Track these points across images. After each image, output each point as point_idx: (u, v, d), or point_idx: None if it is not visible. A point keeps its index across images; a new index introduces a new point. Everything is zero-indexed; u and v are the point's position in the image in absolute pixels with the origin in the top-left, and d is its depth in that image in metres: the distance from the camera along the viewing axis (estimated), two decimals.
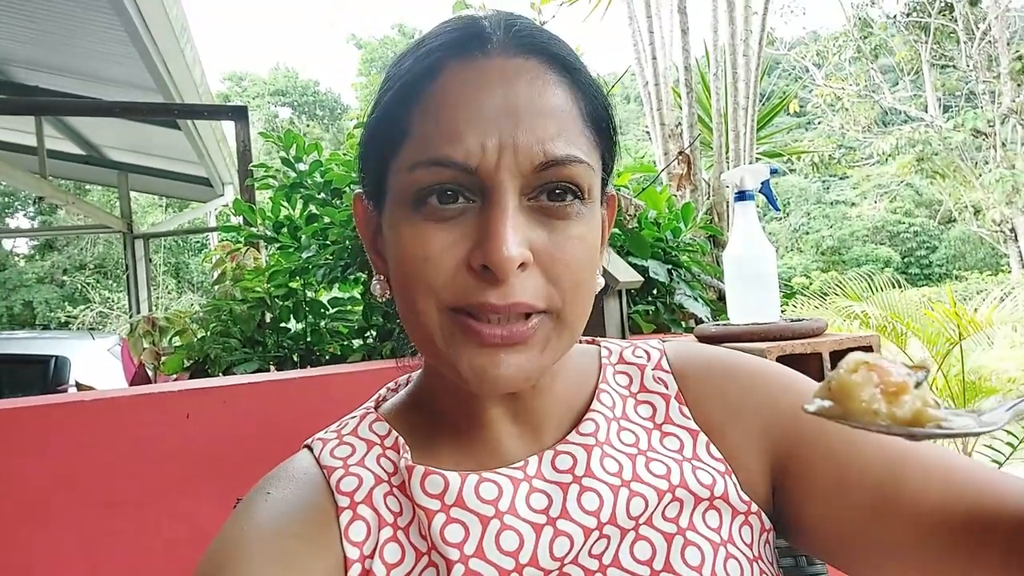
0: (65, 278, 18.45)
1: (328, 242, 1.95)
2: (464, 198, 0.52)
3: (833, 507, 0.57)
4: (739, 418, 0.62)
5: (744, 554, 0.58)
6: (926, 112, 17.53)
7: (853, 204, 26.16)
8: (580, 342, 0.72)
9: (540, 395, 0.61)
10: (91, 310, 14.93)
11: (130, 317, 6.98)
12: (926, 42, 17.03)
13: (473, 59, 0.53)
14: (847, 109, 18.80)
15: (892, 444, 0.57)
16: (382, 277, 0.61)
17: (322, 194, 2.06)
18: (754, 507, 0.60)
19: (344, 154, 2.13)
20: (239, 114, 3.04)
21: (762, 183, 1.44)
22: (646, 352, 0.68)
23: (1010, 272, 15.79)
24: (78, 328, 13.16)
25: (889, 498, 0.54)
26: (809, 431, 0.60)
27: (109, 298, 16.38)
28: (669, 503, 0.58)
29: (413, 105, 0.53)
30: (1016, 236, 15.08)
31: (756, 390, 0.63)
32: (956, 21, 16.25)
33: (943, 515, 0.52)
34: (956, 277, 20.18)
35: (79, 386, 2.35)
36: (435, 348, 0.54)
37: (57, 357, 4.21)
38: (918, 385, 0.39)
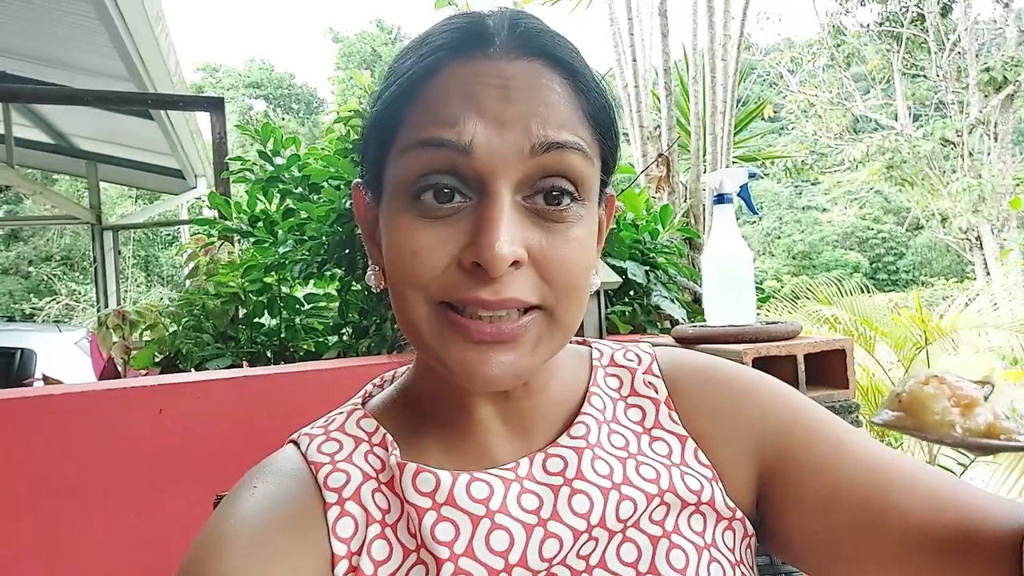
0: (31, 269, 18.03)
1: (305, 237, 1.93)
2: (460, 195, 0.51)
3: (819, 520, 0.58)
4: (728, 428, 0.63)
5: (727, 558, 0.59)
6: (896, 121, 17.81)
7: (824, 210, 26.54)
8: (572, 342, 0.71)
9: (532, 396, 0.61)
10: (57, 302, 14.63)
11: (97, 310, 6.86)
12: (898, 51, 17.30)
13: (475, 60, 0.52)
14: (820, 116, 19.04)
15: (878, 460, 0.58)
16: (377, 268, 0.61)
17: (299, 189, 2.04)
18: (738, 513, 0.61)
19: (323, 149, 2.11)
20: (215, 106, 2.99)
21: (740, 187, 1.45)
22: (637, 356, 0.68)
23: (975, 279, 16.12)
24: (43, 320, 12.90)
25: (875, 513, 0.55)
26: (798, 444, 0.60)
27: (76, 290, 16.07)
28: (657, 507, 0.59)
29: (410, 100, 0.53)
30: (981, 244, 15.38)
31: (746, 401, 0.64)
32: (927, 32, 16.53)
33: (927, 531, 0.53)
34: (922, 283, 20.56)
35: (46, 379, 2.30)
36: (423, 341, 0.53)
37: (23, 349, 4.12)
38: (986, 399, 0.39)
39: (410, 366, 0.67)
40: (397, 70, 0.56)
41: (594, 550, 0.57)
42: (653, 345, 0.71)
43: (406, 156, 0.52)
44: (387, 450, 0.60)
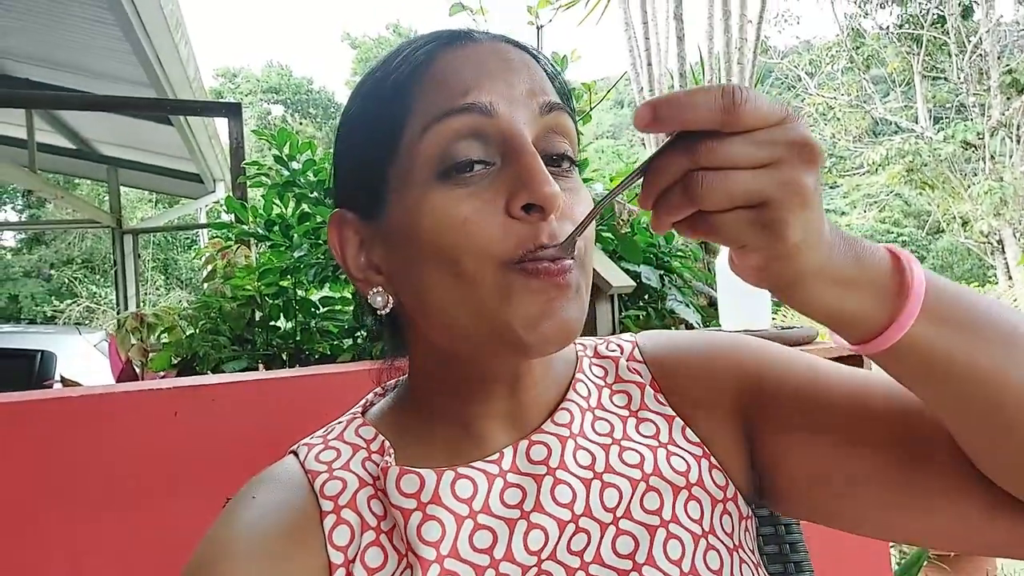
0: (52, 272, 18.28)
1: (320, 241, 1.94)
2: (481, 164, 0.53)
3: (806, 443, 0.59)
4: (708, 389, 0.64)
5: (724, 544, 0.58)
6: (916, 123, 17.64)
7: (843, 213, 26.30)
8: None
9: (535, 387, 0.61)
10: (78, 305, 14.80)
11: (117, 313, 6.94)
12: (918, 54, 17.15)
13: (464, 46, 0.56)
14: (839, 119, 18.91)
15: (853, 375, 0.60)
16: (379, 288, 0.59)
17: (315, 193, 2.05)
18: (730, 492, 0.61)
19: None
20: (233, 111, 3.02)
21: None
22: (619, 345, 0.69)
23: (997, 283, 15.91)
24: (64, 323, 13.05)
25: (858, 420, 0.57)
26: (774, 380, 0.62)
27: (96, 293, 16.25)
28: (646, 492, 0.58)
29: (415, 87, 0.55)
30: (1003, 247, 15.20)
31: (720, 358, 0.65)
32: (948, 34, 16.38)
33: (909, 418, 0.55)
34: None
35: (64, 381, 2.32)
36: (488, 310, 0.52)
37: (43, 352, 4.16)
38: None
39: (408, 374, 0.67)
40: (385, 73, 0.58)
41: (587, 544, 0.56)
42: (634, 333, 0.72)
43: (428, 134, 0.53)
44: (384, 456, 0.60)
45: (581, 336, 0.73)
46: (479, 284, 0.51)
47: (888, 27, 17.75)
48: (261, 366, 1.95)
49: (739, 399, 0.62)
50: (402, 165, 0.54)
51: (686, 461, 0.60)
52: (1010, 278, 14.52)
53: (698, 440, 0.62)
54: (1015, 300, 7.32)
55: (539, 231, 0.51)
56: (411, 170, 0.53)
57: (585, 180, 2.06)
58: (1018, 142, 15.01)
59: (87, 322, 13.57)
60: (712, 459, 0.62)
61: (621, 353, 0.68)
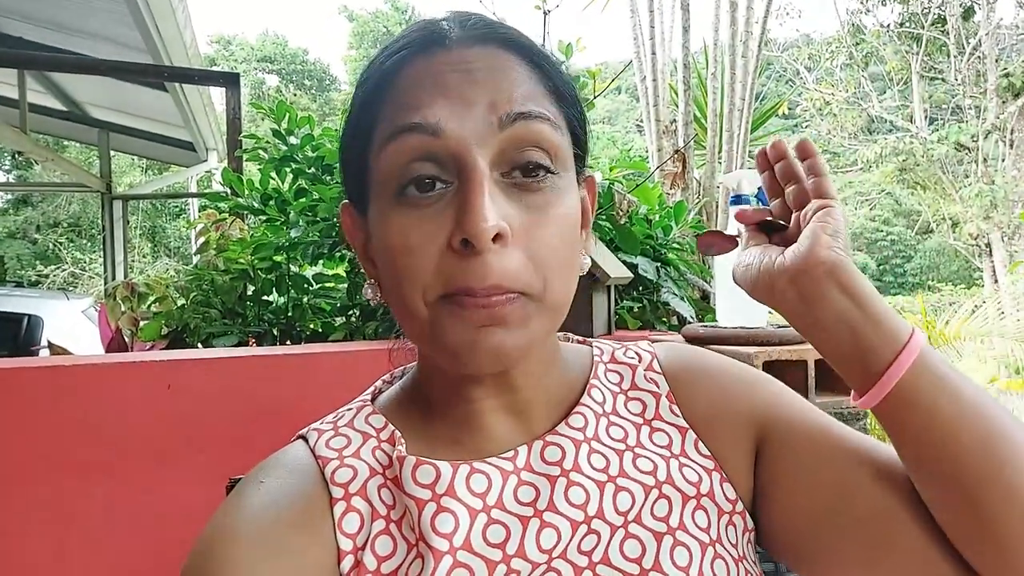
0: (38, 235, 18.06)
1: (317, 219, 1.93)
2: (441, 182, 0.53)
3: (805, 484, 0.59)
4: (725, 414, 0.64)
5: (730, 554, 0.59)
6: (912, 123, 17.68)
7: None
8: (573, 342, 0.72)
9: (533, 387, 0.61)
10: (63, 270, 14.67)
11: (104, 280, 6.88)
12: (917, 53, 17.13)
13: (434, 54, 0.55)
14: (835, 115, 18.86)
15: (864, 436, 0.61)
16: (373, 281, 0.62)
17: (312, 169, 2.03)
18: (739, 506, 0.62)
19: (336, 129, 2.11)
20: (231, 81, 2.99)
21: (759, 188, 1.44)
22: (637, 354, 0.70)
23: (983, 286, 16.04)
24: (48, 287, 12.93)
25: (867, 466, 0.57)
26: (785, 419, 0.63)
27: (81, 259, 16.09)
28: (656, 500, 0.59)
29: (381, 99, 0.56)
30: (991, 251, 15.29)
31: (736, 386, 0.66)
32: (948, 34, 16.36)
33: (906, 483, 0.56)
34: (929, 288, 20.48)
35: (53, 348, 2.31)
36: (425, 337, 0.54)
37: (30, 316, 4.12)
38: None
39: (417, 362, 0.67)
40: (365, 78, 0.59)
41: (596, 545, 0.57)
42: (652, 342, 0.72)
43: (385, 151, 0.53)
44: (394, 446, 0.60)
45: (591, 337, 0.74)
46: (416, 312, 0.53)
47: (889, 25, 17.70)
48: (251, 341, 1.94)
49: (750, 427, 0.63)
50: (373, 175, 0.56)
51: (698, 473, 0.61)
52: (996, 281, 14.65)
53: (710, 454, 0.63)
54: (999, 304, 7.38)
55: (467, 272, 0.50)
56: (377, 182, 0.55)
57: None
58: (1011, 146, 15.07)
59: (71, 287, 13.45)
60: (723, 473, 0.62)
61: (639, 361, 0.69)
